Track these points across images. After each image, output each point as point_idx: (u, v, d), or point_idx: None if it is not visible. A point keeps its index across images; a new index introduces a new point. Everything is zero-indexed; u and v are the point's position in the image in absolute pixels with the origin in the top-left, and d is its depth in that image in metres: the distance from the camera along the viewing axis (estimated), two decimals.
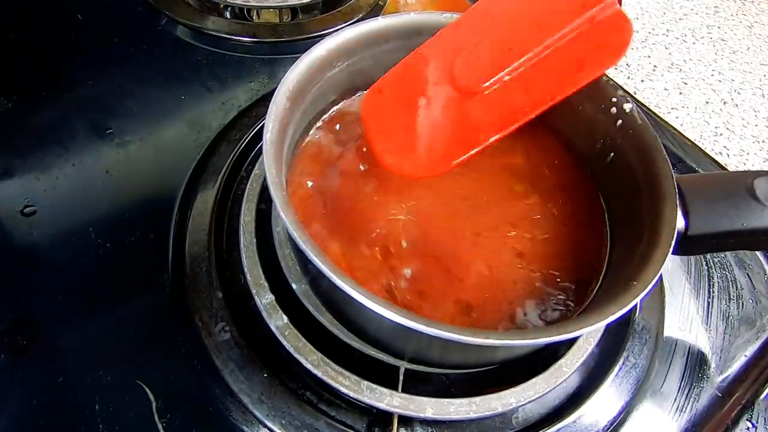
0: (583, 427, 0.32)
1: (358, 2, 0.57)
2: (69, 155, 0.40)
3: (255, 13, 0.55)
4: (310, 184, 0.32)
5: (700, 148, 0.49)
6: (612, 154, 0.33)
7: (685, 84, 0.65)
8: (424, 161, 0.30)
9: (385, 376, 0.30)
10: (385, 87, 0.32)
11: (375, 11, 0.57)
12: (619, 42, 0.26)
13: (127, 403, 0.29)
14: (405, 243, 0.30)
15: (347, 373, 0.29)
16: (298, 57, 0.31)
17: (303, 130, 0.34)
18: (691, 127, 0.59)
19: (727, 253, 0.42)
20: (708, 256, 0.42)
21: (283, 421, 0.30)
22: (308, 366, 0.29)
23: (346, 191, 0.32)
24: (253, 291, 0.31)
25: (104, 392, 0.30)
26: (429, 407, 0.29)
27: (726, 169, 0.50)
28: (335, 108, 0.36)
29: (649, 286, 0.24)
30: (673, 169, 0.43)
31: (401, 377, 0.30)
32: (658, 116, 0.51)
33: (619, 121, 0.32)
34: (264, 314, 0.31)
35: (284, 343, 0.30)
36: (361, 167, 0.33)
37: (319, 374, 0.29)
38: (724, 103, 0.62)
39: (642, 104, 0.52)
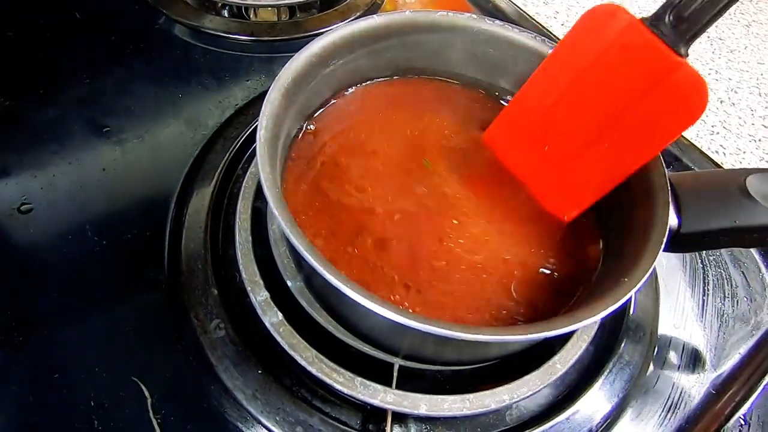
0: (576, 423, 0.32)
1: (356, 1, 0.57)
2: (66, 153, 0.40)
3: (253, 11, 0.55)
4: (304, 181, 0.32)
5: (696, 146, 0.49)
6: None
7: None
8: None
9: (379, 373, 0.30)
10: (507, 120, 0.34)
11: (373, 9, 0.57)
12: (697, 104, 0.26)
13: (123, 399, 0.30)
14: (393, 240, 0.30)
15: (341, 370, 0.29)
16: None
17: (298, 127, 0.34)
18: None
19: (722, 250, 0.42)
20: (703, 254, 0.42)
21: (278, 418, 0.30)
22: (303, 363, 0.29)
23: (338, 188, 0.32)
24: (249, 288, 0.32)
25: (100, 389, 0.30)
26: (423, 404, 0.29)
27: (722, 168, 0.50)
28: (330, 104, 0.36)
29: (640, 283, 0.24)
30: (670, 167, 0.44)
31: (395, 374, 0.30)
32: None
33: None
34: (259, 311, 0.31)
35: (279, 340, 0.30)
36: (354, 164, 0.33)
37: (314, 371, 0.29)
38: (721, 101, 0.62)
39: None
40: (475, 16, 0.35)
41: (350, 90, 0.37)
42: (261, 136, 0.26)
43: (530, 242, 0.32)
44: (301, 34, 0.52)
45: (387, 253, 0.30)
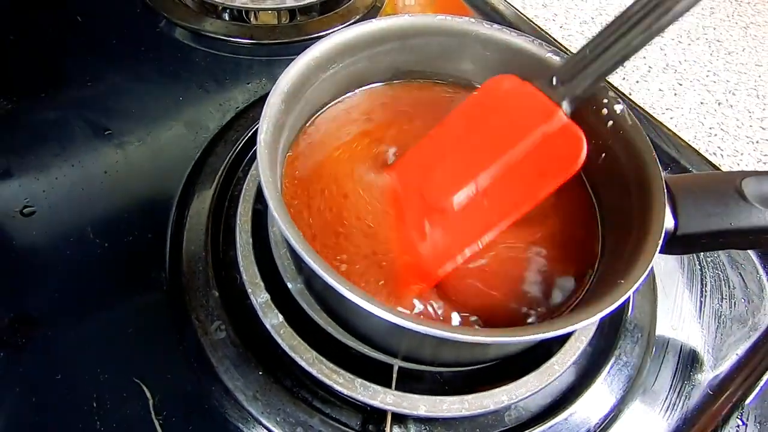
0: (574, 424, 0.32)
1: (356, 4, 0.57)
2: (68, 155, 0.40)
3: (253, 14, 0.55)
4: (303, 184, 0.33)
5: (694, 148, 0.50)
6: (603, 154, 0.33)
7: (680, 85, 0.65)
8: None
9: (378, 374, 0.30)
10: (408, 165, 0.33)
11: (372, 13, 0.58)
12: (574, 153, 0.28)
13: (125, 400, 0.30)
14: (394, 241, 0.31)
15: (341, 371, 0.29)
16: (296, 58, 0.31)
17: (298, 131, 0.35)
18: (685, 127, 0.59)
19: (720, 252, 0.42)
20: (701, 255, 0.42)
21: (278, 419, 0.30)
22: (303, 364, 0.29)
23: (337, 190, 0.32)
24: (249, 290, 0.32)
25: (102, 389, 0.30)
26: (422, 405, 0.29)
27: (720, 170, 0.51)
28: (329, 107, 0.37)
29: (637, 284, 0.24)
30: (667, 169, 0.44)
31: (395, 375, 0.31)
32: (653, 117, 0.51)
33: (610, 122, 0.32)
34: (259, 313, 0.31)
35: (279, 341, 0.30)
36: (353, 167, 0.34)
37: (314, 372, 0.29)
38: (719, 103, 0.62)
39: (637, 105, 0.52)
40: (473, 20, 0.36)
41: (350, 93, 0.37)
42: (262, 139, 0.27)
43: (527, 244, 0.32)
44: (302, 38, 0.52)
45: (384, 254, 0.30)
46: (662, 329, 0.38)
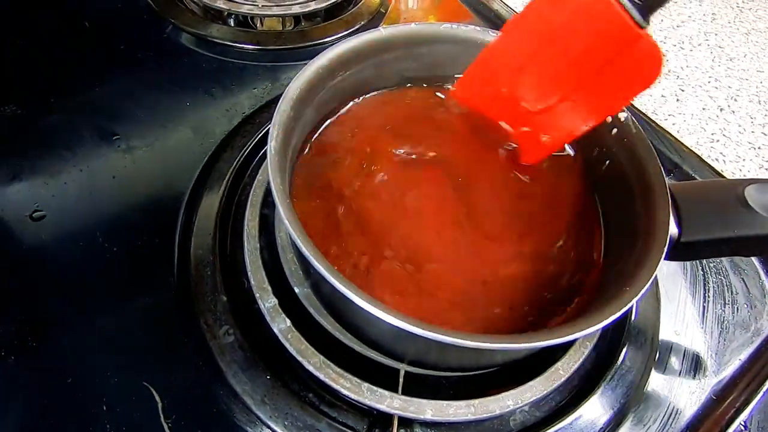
0: (579, 428, 0.33)
1: (360, 10, 0.58)
2: (77, 160, 0.41)
3: (259, 20, 0.55)
4: (310, 189, 0.33)
5: (696, 154, 0.50)
6: (608, 161, 0.34)
7: (683, 91, 0.65)
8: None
9: (385, 379, 0.30)
10: (474, 78, 0.35)
11: (377, 19, 0.58)
12: (651, 70, 0.28)
13: (134, 403, 0.30)
14: (400, 246, 0.31)
15: (348, 375, 0.30)
16: (301, 64, 0.32)
17: (305, 137, 0.35)
18: (687, 133, 0.59)
19: (723, 258, 0.43)
20: (703, 261, 0.42)
21: (286, 422, 0.30)
22: (310, 368, 0.30)
23: (345, 196, 0.33)
24: (257, 295, 0.32)
25: (111, 393, 0.30)
26: (428, 409, 0.29)
27: (722, 176, 0.51)
28: (337, 114, 0.37)
29: (642, 292, 0.25)
30: (670, 175, 0.44)
31: (401, 379, 0.31)
32: (655, 123, 0.52)
33: (615, 130, 0.32)
34: (267, 317, 0.31)
35: (287, 345, 0.30)
36: (361, 170, 0.34)
37: (321, 376, 0.29)
38: (721, 109, 0.63)
39: (639, 111, 0.53)
40: (478, 28, 0.36)
41: (356, 100, 0.38)
42: (272, 146, 0.27)
43: (532, 251, 0.32)
44: (306, 43, 0.53)
45: (391, 260, 0.30)
46: (665, 334, 0.38)
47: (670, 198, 0.28)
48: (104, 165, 0.41)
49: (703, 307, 0.40)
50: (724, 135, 0.60)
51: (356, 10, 0.58)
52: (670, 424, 0.34)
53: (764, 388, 0.36)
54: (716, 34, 0.85)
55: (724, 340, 0.39)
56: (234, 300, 0.34)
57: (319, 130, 0.36)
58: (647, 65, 0.29)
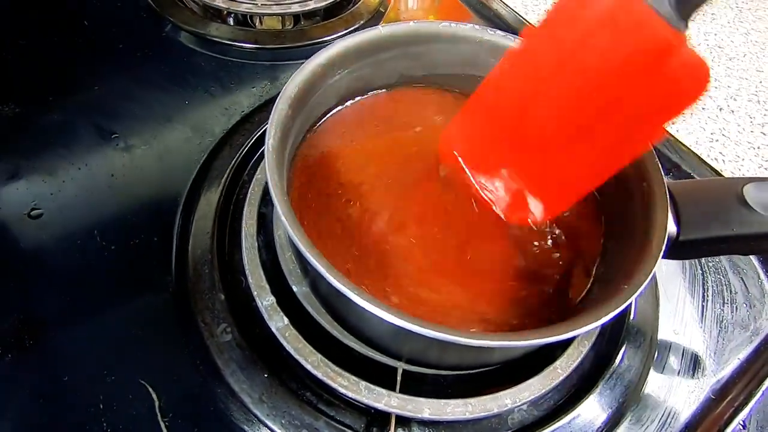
0: (577, 428, 0.32)
1: (359, 9, 0.58)
2: (75, 159, 0.41)
3: (258, 19, 0.55)
4: (308, 188, 0.33)
5: (695, 154, 0.50)
6: None
7: None
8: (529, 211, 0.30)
9: (383, 377, 0.30)
10: (466, 121, 0.31)
11: (376, 18, 0.58)
12: (696, 84, 0.23)
13: (131, 402, 0.30)
14: (395, 246, 0.31)
15: (346, 374, 0.30)
16: (300, 63, 0.32)
17: (303, 135, 0.35)
18: (687, 133, 0.59)
19: (721, 257, 0.43)
20: (702, 260, 0.42)
21: (283, 421, 0.30)
22: (308, 367, 0.30)
23: (341, 194, 0.33)
24: (255, 293, 0.32)
25: (108, 391, 0.30)
26: (426, 408, 0.29)
27: (721, 175, 0.51)
28: (334, 113, 0.37)
29: (640, 289, 0.24)
30: (669, 174, 0.44)
31: (399, 378, 0.31)
32: None
33: None
34: (265, 316, 0.31)
35: (285, 344, 0.30)
36: (358, 172, 0.34)
37: (319, 375, 0.29)
38: (720, 109, 0.63)
39: None
40: (477, 26, 0.36)
41: (355, 99, 0.37)
42: (270, 144, 0.27)
43: (530, 248, 0.32)
44: (306, 42, 0.53)
45: (389, 260, 0.30)
46: (664, 333, 0.38)
47: (668, 196, 0.28)
48: (103, 163, 0.41)
49: (702, 306, 0.40)
50: (723, 135, 0.60)
51: (355, 9, 0.58)
52: (669, 424, 0.34)
53: (763, 388, 0.36)
54: (716, 34, 0.85)
55: (723, 339, 0.39)
56: (232, 298, 0.34)
57: (318, 129, 0.36)
58: (689, 79, 0.23)
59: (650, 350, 0.36)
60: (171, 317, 0.34)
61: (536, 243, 0.32)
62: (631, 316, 0.37)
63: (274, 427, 0.30)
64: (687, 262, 0.42)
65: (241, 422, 0.30)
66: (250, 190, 0.37)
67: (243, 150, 0.42)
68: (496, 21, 0.61)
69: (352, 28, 0.55)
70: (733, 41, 0.73)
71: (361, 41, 0.34)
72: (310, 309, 0.33)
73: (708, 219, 0.29)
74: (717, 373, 0.37)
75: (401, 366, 0.32)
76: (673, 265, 0.42)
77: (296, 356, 0.30)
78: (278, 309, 0.31)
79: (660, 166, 0.30)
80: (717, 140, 0.59)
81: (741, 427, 0.34)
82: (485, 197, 0.32)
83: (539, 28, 0.27)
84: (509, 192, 0.30)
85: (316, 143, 0.36)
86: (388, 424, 0.30)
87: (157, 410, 0.30)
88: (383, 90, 0.39)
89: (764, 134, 0.60)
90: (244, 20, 0.56)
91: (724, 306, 0.40)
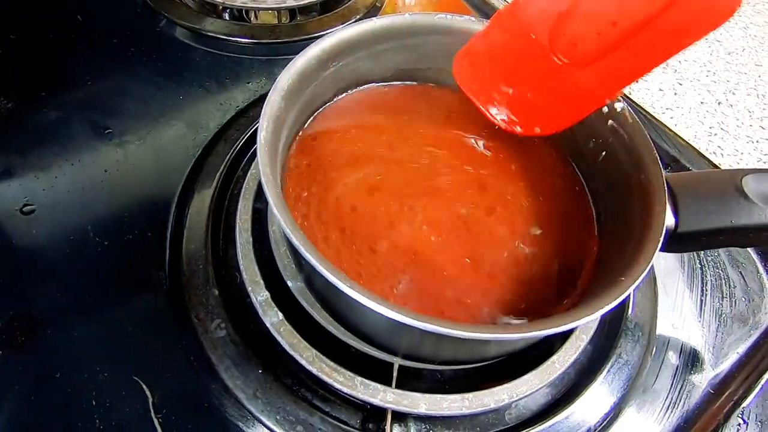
0: (575, 423, 0.32)
1: (356, 4, 0.57)
2: (68, 154, 0.40)
3: (253, 14, 0.55)
4: (303, 182, 0.33)
5: (694, 147, 0.50)
6: (603, 152, 0.33)
7: (680, 85, 0.65)
8: (536, 122, 0.31)
9: (379, 372, 0.30)
10: (479, 49, 0.32)
11: (372, 12, 0.58)
12: (725, 5, 0.24)
13: (124, 398, 0.30)
14: (393, 241, 0.31)
15: (342, 370, 0.29)
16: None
17: (298, 128, 0.35)
18: (685, 127, 0.59)
19: (720, 251, 0.42)
20: (701, 254, 0.42)
21: (278, 417, 0.30)
22: (303, 362, 0.29)
23: (337, 188, 0.32)
24: (249, 288, 0.32)
25: (101, 388, 0.30)
26: (422, 403, 0.29)
27: (719, 169, 0.51)
28: (329, 106, 0.37)
29: (638, 281, 0.24)
30: (668, 168, 0.44)
31: (395, 373, 0.31)
32: (653, 116, 0.51)
33: (611, 121, 0.32)
34: (259, 311, 0.31)
35: (279, 339, 0.30)
36: (353, 165, 0.34)
37: (314, 370, 0.29)
38: (719, 103, 0.62)
39: (637, 105, 0.52)
40: (473, 18, 0.36)
41: (350, 92, 0.37)
42: (261, 138, 0.27)
43: (526, 242, 0.32)
44: (302, 37, 0.52)
45: (385, 251, 0.30)
46: (663, 328, 0.38)
47: (666, 188, 0.28)
48: (96, 159, 0.41)
49: (701, 300, 0.40)
50: (722, 128, 0.59)
51: (352, 4, 0.57)
52: (668, 419, 0.34)
53: (762, 382, 0.36)
54: None
55: (722, 333, 0.38)
56: (226, 294, 0.34)
57: (312, 122, 0.36)
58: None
59: (649, 345, 0.36)
60: (165, 313, 0.33)
61: (533, 235, 0.32)
62: (630, 311, 0.37)
63: (268, 423, 0.30)
64: (685, 256, 0.42)
65: (236, 418, 0.30)
66: (244, 185, 0.37)
67: (238, 145, 0.42)
68: (492, 15, 0.60)
69: (348, 23, 0.55)
70: (731, 35, 0.72)
71: (356, 33, 0.33)
72: (305, 304, 0.33)
73: (706, 211, 0.28)
74: (716, 367, 0.37)
75: (397, 361, 0.31)
76: (672, 259, 0.41)
77: (291, 352, 0.30)
78: (273, 304, 0.31)
79: (658, 158, 0.29)
80: (716, 134, 0.58)
81: (740, 422, 0.34)
82: (493, 118, 0.33)
83: None
84: (518, 104, 0.32)
85: (311, 137, 0.35)
86: (384, 419, 0.30)
87: (151, 407, 0.30)
88: (379, 83, 0.38)
89: (763, 128, 0.60)
90: (240, 15, 0.55)
91: (722, 300, 0.40)
